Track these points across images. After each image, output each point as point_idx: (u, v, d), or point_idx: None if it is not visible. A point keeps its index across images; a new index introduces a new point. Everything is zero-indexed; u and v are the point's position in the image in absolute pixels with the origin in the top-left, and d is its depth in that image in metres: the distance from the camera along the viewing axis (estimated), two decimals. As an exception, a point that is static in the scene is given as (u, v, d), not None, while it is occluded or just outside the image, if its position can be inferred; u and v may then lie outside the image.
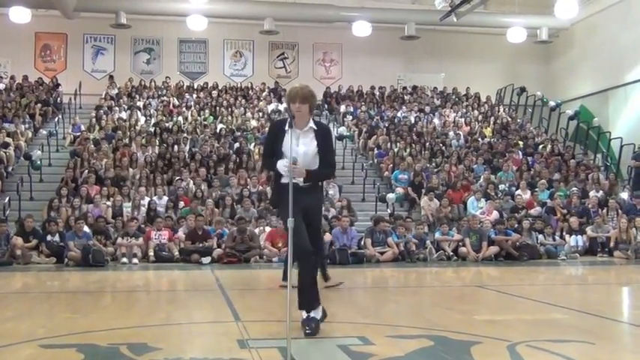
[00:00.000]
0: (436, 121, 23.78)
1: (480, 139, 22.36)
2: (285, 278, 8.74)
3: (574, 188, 18.19)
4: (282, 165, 5.47)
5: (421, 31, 25.12)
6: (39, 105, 22.47)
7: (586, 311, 7.22)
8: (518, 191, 17.97)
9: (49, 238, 14.20)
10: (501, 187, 18.53)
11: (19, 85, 24.02)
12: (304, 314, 5.55)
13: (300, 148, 5.56)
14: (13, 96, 22.87)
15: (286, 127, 5.43)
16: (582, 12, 23.89)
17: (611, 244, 15.57)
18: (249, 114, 22.98)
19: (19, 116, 21.00)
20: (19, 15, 23.12)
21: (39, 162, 18.68)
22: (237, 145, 20.05)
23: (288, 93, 5.72)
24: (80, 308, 7.65)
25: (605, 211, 16.98)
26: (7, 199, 16.61)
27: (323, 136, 5.66)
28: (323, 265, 9.29)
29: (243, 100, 24.28)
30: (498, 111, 25.45)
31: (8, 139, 19.09)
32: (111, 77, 25.38)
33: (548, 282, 11.72)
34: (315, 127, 5.66)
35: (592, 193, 17.96)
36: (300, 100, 5.53)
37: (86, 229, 14.24)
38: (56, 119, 22.26)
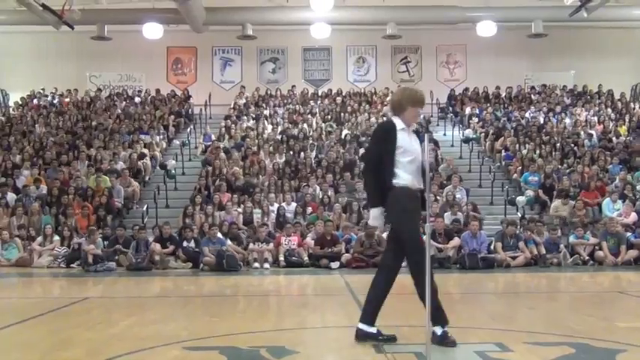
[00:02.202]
0: (567, 120, 23.01)
1: (614, 138, 21.42)
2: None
3: None
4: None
5: (549, 28, 24.30)
6: (172, 116, 23.50)
7: None
8: (659, 192, 17.10)
9: (185, 244, 14.77)
10: (639, 187, 17.65)
11: (153, 98, 25.24)
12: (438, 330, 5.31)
13: (415, 145, 5.46)
14: (148, 109, 24.07)
15: (402, 126, 5.39)
16: None
17: None
18: (373, 119, 23.00)
19: (154, 128, 22.07)
20: (153, 31, 24.29)
21: (173, 171, 19.52)
22: (362, 150, 20.10)
23: (419, 97, 5.49)
24: (218, 312, 7.90)
25: None
26: (145, 207, 17.43)
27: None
28: None
29: (367, 106, 24.35)
30: (634, 108, 24.29)
31: (145, 150, 20.08)
32: (243, 87, 26.09)
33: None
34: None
35: None
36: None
37: (220, 235, 14.72)
38: (188, 130, 23.21)
